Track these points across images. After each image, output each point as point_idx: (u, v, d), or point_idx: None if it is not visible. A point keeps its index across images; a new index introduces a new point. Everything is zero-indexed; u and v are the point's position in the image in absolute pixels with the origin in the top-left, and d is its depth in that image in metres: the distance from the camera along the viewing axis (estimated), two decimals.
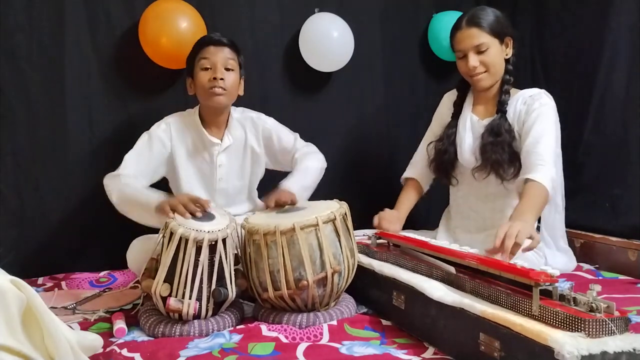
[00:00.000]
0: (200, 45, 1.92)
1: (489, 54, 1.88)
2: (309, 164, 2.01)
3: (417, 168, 2.16)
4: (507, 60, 1.94)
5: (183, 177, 1.98)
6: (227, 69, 1.90)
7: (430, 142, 2.12)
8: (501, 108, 1.91)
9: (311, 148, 2.10)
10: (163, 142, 1.95)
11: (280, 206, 1.78)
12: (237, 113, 2.04)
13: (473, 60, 1.88)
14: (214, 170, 2.00)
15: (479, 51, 1.88)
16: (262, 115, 2.08)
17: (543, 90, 1.94)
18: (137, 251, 1.85)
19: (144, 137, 1.95)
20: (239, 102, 2.05)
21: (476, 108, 2.02)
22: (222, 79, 1.87)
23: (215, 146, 1.98)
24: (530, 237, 1.50)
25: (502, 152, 1.87)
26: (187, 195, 1.70)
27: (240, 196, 2.09)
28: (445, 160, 2.04)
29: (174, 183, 2.02)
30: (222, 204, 2.01)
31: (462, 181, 2.07)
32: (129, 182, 1.82)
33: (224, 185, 2.02)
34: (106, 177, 1.87)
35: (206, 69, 1.88)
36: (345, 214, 1.66)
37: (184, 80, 2.00)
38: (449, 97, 2.14)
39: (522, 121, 1.89)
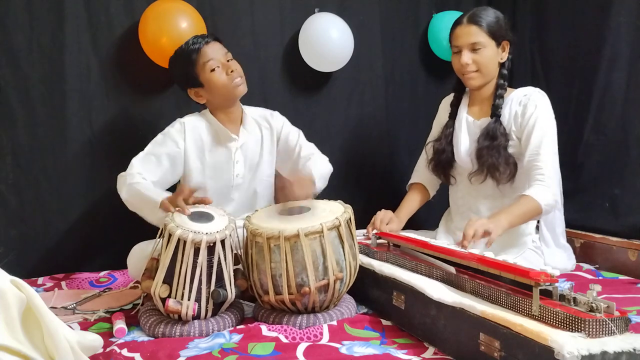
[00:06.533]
0: (194, 51, 1.88)
1: (482, 54, 1.89)
2: (323, 162, 2.02)
3: (422, 173, 2.17)
4: (502, 64, 1.95)
5: (196, 175, 1.95)
6: (228, 60, 1.91)
7: (429, 142, 2.14)
8: (495, 112, 1.93)
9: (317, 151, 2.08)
10: (176, 142, 1.92)
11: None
12: (251, 111, 2.04)
13: (466, 57, 1.89)
14: (231, 167, 1.99)
15: (474, 49, 1.89)
16: (276, 113, 2.08)
17: (537, 89, 1.95)
18: (137, 258, 1.83)
19: (158, 137, 1.94)
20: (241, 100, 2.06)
21: (471, 109, 2.04)
22: (236, 69, 1.89)
23: (233, 142, 1.97)
24: (487, 234, 1.63)
25: (498, 156, 1.89)
26: (188, 188, 1.69)
27: (256, 194, 2.06)
28: (442, 160, 2.06)
29: (188, 182, 1.97)
30: (237, 199, 2.01)
31: (460, 181, 2.09)
32: (139, 180, 1.80)
33: (240, 181, 2.01)
34: (118, 176, 1.86)
35: (215, 68, 1.87)
36: (350, 219, 1.64)
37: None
38: (447, 101, 2.16)
39: (519, 123, 1.91)
